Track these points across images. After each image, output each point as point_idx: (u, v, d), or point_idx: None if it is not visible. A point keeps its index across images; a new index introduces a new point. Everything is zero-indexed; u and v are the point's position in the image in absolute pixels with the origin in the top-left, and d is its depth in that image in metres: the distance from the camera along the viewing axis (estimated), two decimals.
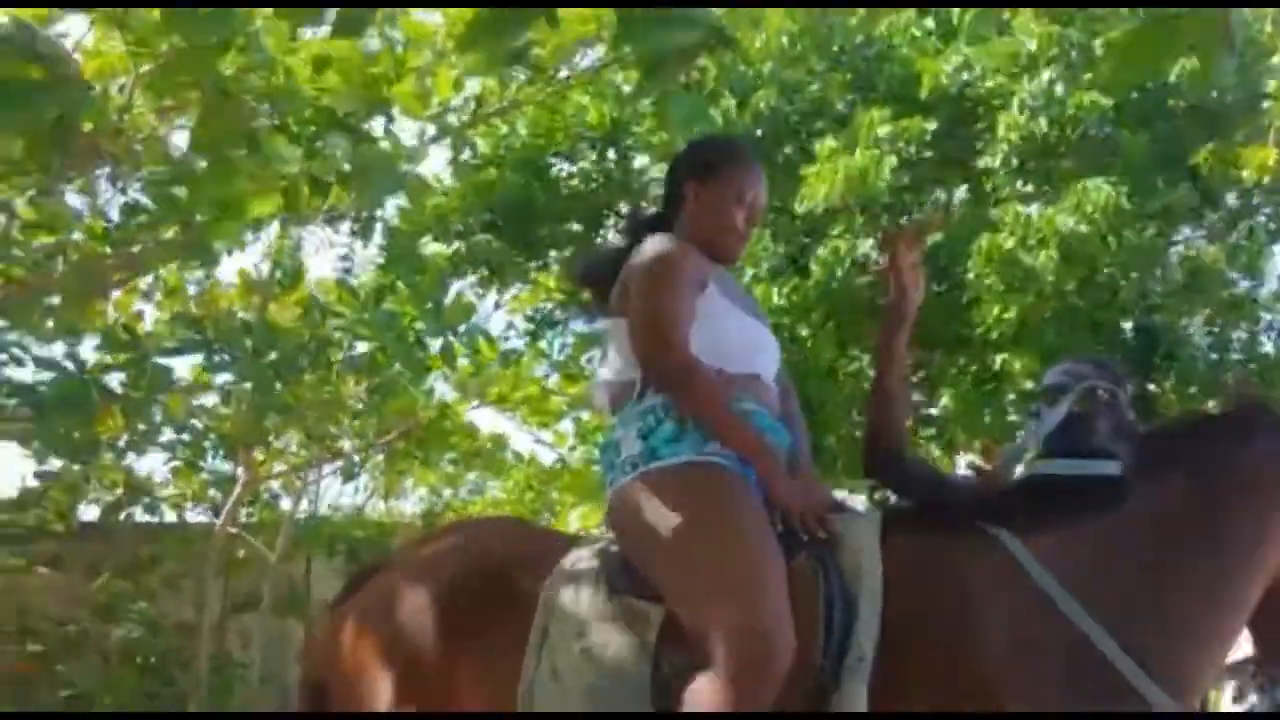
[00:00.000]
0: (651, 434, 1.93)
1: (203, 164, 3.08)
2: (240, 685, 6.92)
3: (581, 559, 2.02)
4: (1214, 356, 6.33)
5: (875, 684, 1.69)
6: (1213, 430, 1.98)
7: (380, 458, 8.61)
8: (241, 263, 6.59)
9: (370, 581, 2.32)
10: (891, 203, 6.11)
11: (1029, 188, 5.91)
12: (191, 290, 6.52)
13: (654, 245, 2.03)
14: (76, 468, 5.71)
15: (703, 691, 1.66)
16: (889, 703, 1.70)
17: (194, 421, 6.93)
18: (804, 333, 5.75)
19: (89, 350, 4.69)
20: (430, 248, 6.60)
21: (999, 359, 5.58)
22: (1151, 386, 6.15)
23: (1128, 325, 6.18)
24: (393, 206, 6.08)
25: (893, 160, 5.70)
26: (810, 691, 1.71)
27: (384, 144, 3.75)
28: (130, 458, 6.24)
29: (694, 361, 1.91)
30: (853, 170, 5.56)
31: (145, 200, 3.86)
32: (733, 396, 1.96)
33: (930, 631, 1.77)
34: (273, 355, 5.16)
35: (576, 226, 7.09)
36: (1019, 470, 2.35)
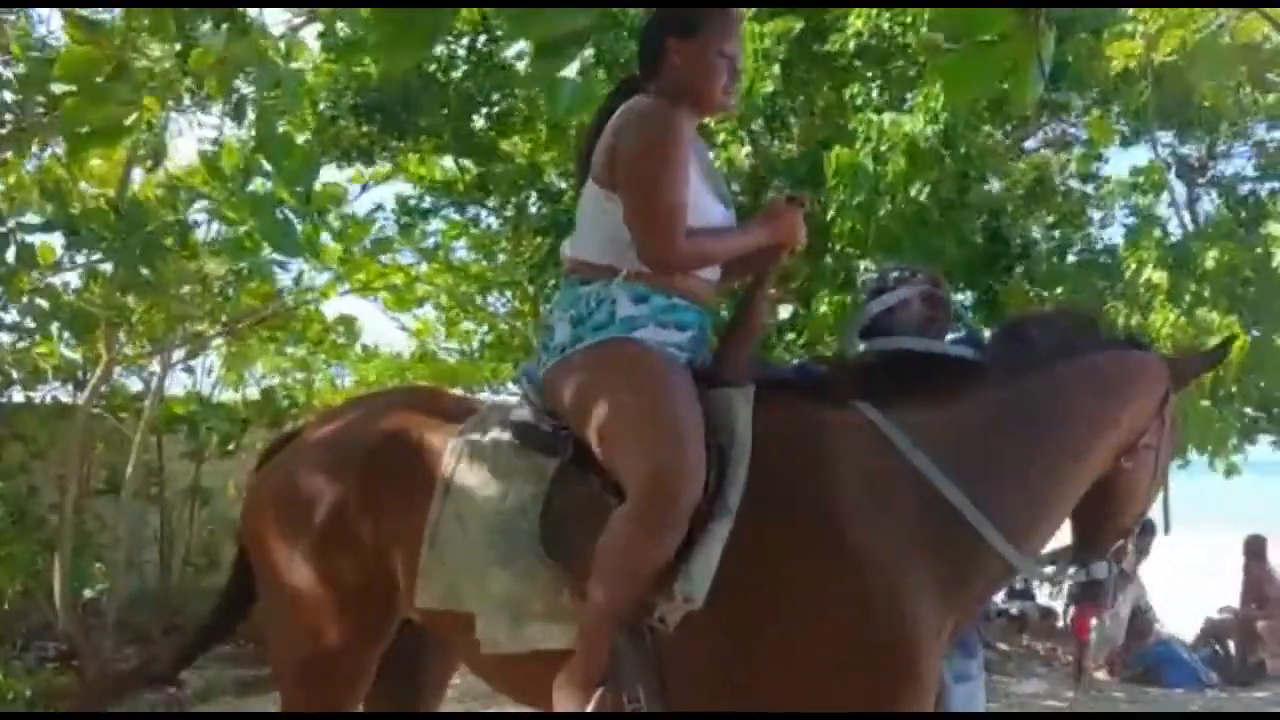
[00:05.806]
0: (582, 322, 2.06)
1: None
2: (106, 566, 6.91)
3: (489, 419, 2.21)
4: (1054, 260, 6.82)
5: (743, 528, 1.86)
6: (1065, 335, 2.17)
7: (227, 344, 8.44)
8: None
9: (288, 449, 2.42)
10: (768, 114, 6.22)
11: (885, 96, 5.95)
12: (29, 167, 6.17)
13: (648, 113, 2.04)
14: None
15: (618, 527, 1.87)
16: (756, 549, 1.87)
17: (39, 301, 6.64)
18: None
19: None
20: (299, 138, 6.41)
21: (861, 265, 5.74)
22: (997, 286, 6.45)
23: (976, 227, 6.27)
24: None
25: (775, 70, 5.74)
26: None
27: (258, 38, 3.73)
28: None
29: (691, 249, 2.05)
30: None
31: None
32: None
33: (793, 492, 1.93)
34: (138, 235, 5.05)
35: (445, 111, 6.99)
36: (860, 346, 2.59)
